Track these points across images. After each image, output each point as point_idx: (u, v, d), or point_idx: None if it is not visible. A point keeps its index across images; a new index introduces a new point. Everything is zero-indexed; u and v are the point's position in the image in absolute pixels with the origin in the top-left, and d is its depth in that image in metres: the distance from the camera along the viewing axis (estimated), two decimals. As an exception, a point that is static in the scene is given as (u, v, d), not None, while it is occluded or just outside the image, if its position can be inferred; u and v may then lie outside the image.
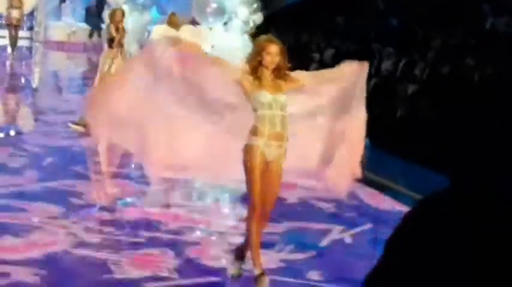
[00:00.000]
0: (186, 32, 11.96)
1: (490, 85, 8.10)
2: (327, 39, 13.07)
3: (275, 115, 4.79)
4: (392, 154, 8.40)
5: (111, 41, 10.15)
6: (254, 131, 4.75)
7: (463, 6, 11.32)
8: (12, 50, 18.22)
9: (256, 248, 4.80)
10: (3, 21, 19.08)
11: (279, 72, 4.85)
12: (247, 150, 4.75)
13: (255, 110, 4.75)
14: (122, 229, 5.43)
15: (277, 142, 4.75)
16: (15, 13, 18.11)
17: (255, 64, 4.81)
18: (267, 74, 4.82)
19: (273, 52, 4.82)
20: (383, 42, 11.44)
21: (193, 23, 12.61)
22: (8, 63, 17.36)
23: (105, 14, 13.99)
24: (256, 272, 4.75)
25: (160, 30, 11.92)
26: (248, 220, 4.85)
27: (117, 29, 10.24)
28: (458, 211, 1.53)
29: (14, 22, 18.11)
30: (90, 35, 21.56)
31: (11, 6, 18.13)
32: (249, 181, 4.79)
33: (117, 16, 10.45)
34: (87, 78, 13.89)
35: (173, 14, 12.80)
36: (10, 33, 18.22)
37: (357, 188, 6.49)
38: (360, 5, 13.70)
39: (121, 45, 10.29)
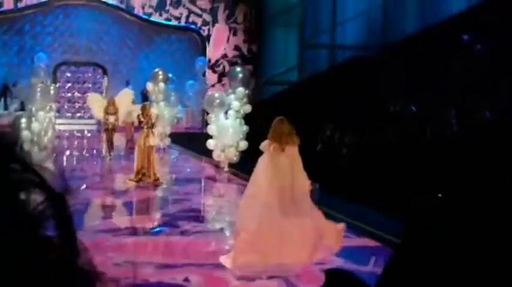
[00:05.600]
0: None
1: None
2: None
3: None
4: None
5: (141, 123, 13.02)
6: None
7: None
8: (109, 152, 17.80)
9: None
10: (102, 126, 18.64)
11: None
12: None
13: None
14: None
15: None
16: (111, 119, 17.72)
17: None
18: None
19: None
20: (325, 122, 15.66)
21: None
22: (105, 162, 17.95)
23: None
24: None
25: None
26: None
27: (143, 116, 12.71)
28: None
29: (110, 127, 17.72)
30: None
31: (107, 113, 17.78)
32: None
33: (146, 109, 13.10)
34: (132, 148, 16.38)
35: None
36: (106, 136, 17.88)
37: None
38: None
39: (150, 127, 12.65)
